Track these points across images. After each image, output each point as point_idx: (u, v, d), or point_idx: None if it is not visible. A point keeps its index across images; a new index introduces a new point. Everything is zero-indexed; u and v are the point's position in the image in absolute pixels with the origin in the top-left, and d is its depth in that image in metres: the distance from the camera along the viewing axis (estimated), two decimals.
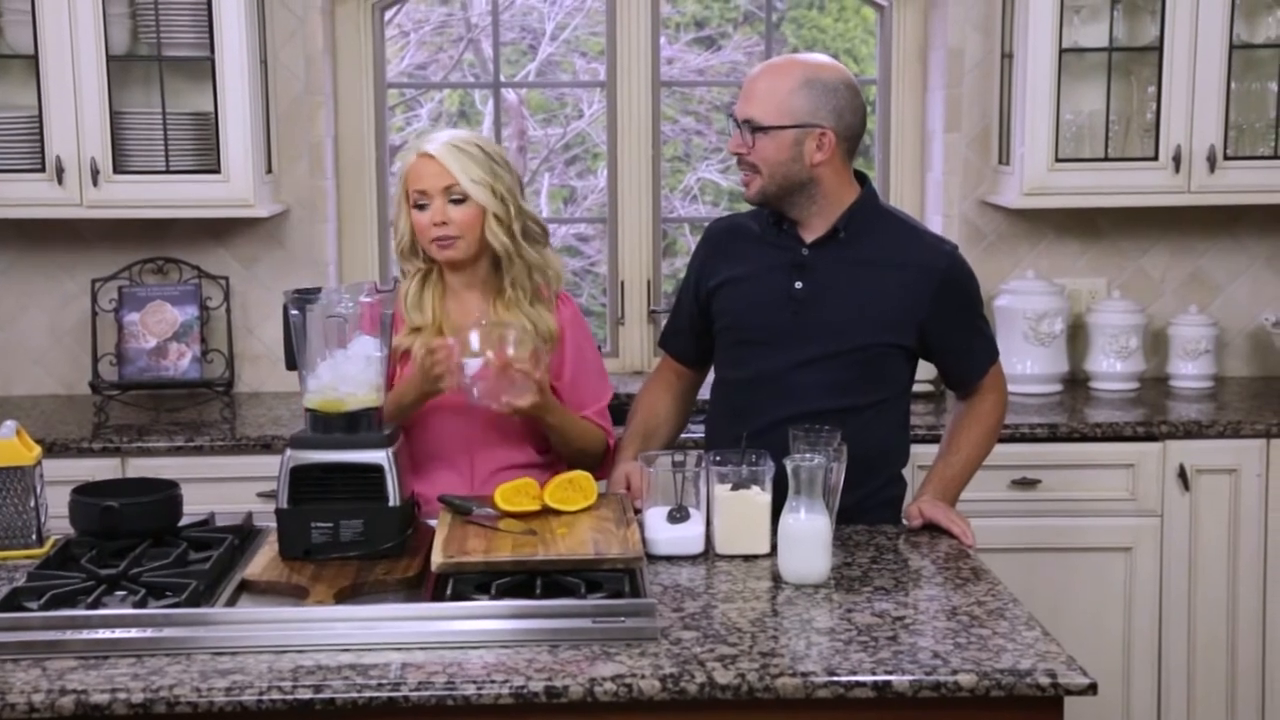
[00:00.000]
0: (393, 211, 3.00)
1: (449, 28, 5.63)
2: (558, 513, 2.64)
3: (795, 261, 2.90)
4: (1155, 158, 4.02)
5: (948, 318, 2.90)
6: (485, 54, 5.46)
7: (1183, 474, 3.80)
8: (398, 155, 2.97)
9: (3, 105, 4.01)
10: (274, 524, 2.56)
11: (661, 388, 3.13)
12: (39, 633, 2.18)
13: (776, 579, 2.51)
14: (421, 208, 2.88)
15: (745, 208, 3.02)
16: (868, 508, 2.88)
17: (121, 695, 2.04)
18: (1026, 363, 4.15)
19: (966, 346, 2.97)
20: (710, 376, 3.11)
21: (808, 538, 2.48)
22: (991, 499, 3.69)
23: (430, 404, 2.87)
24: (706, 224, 3.15)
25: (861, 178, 2.94)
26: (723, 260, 2.99)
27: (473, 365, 2.73)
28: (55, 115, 3.90)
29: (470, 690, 2.06)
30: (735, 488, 2.63)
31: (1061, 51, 3.99)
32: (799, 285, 2.88)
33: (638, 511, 2.68)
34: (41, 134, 3.91)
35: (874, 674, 2.10)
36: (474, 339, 2.73)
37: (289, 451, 2.54)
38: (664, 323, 3.27)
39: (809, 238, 2.90)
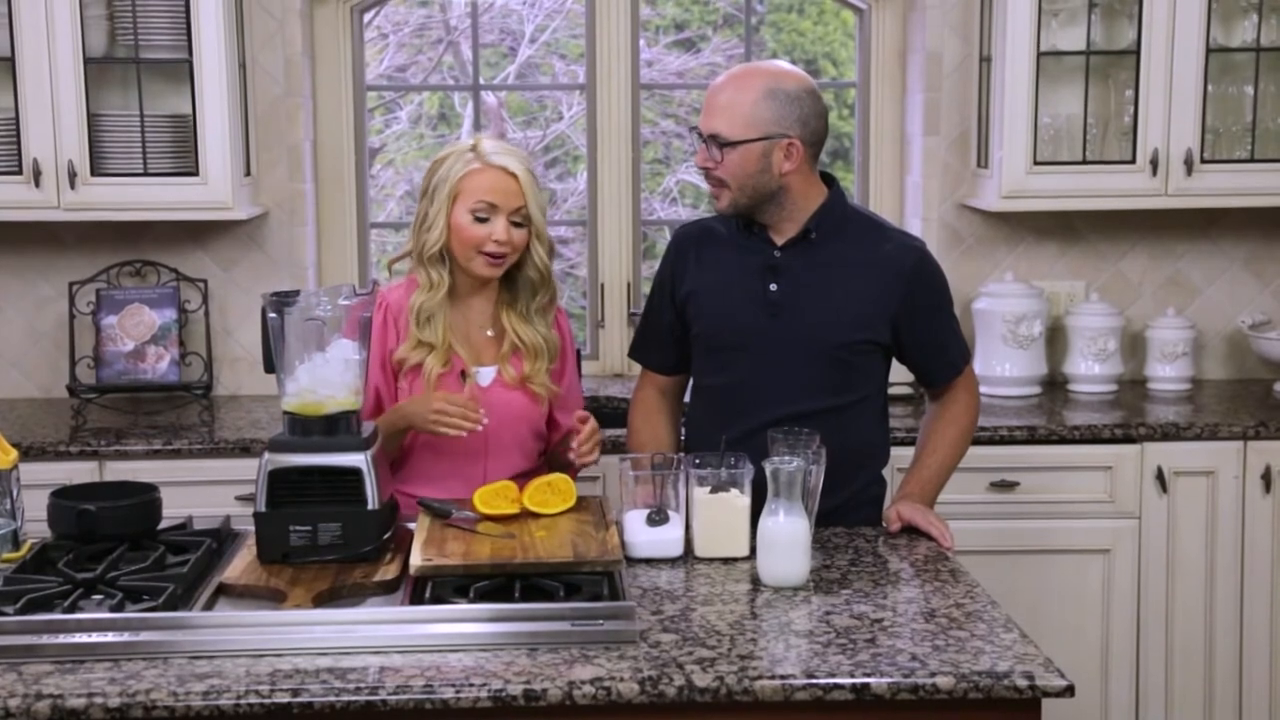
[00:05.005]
0: (419, 210, 2.94)
1: (428, 30, 5.62)
2: (536, 515, 2.64)
3: (768, 264, 2.89)
4: (1133, 161, 4.03)
5: (919, 312, 2.91)
6: (464, 56, 5.44)
7: (1160, 476, 3.81)
8: (443, 161, 2.93)
9: None
10: (252, 527, 2.56)
11: (650, 411, 3.10)
12: (15, 637, 2.18)
13: (755, 582, 2.51)
14: (483, 220, 2.86)
15: None
16: (854, 505, 2.89)
17: (98, 699, 2.04)
18: (1005, 365, 4.16)
19: (939, 343, 2.97)
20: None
21: (787, 540, 2.48)
22: (970, 501, 3.70)
23: None
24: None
25: (828, 178, 2.94)
26: (694, 266, 2.98)
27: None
28: (32, 117, 3.88)
29: (449, 693, 2.06)
30: (714, 490, 2.64)
31: (1039, 55, 4.00)
32: (774, 288, 2.88)
33: None
34: (18, 136, 3.89)
35: (852, 676, 2.11)
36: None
37: (267, 455, 2.53)
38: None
39: (780, 240, 2.90)
